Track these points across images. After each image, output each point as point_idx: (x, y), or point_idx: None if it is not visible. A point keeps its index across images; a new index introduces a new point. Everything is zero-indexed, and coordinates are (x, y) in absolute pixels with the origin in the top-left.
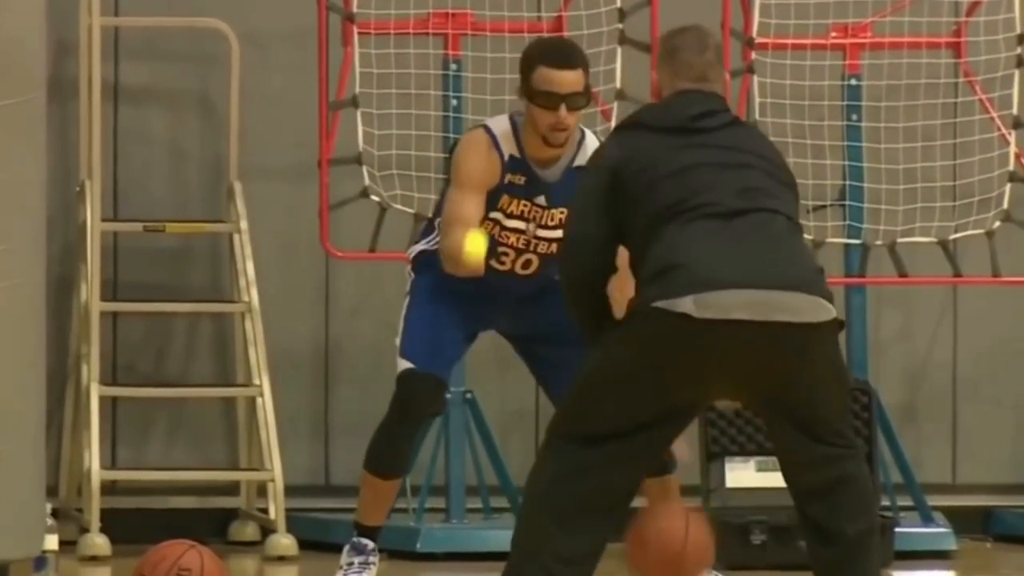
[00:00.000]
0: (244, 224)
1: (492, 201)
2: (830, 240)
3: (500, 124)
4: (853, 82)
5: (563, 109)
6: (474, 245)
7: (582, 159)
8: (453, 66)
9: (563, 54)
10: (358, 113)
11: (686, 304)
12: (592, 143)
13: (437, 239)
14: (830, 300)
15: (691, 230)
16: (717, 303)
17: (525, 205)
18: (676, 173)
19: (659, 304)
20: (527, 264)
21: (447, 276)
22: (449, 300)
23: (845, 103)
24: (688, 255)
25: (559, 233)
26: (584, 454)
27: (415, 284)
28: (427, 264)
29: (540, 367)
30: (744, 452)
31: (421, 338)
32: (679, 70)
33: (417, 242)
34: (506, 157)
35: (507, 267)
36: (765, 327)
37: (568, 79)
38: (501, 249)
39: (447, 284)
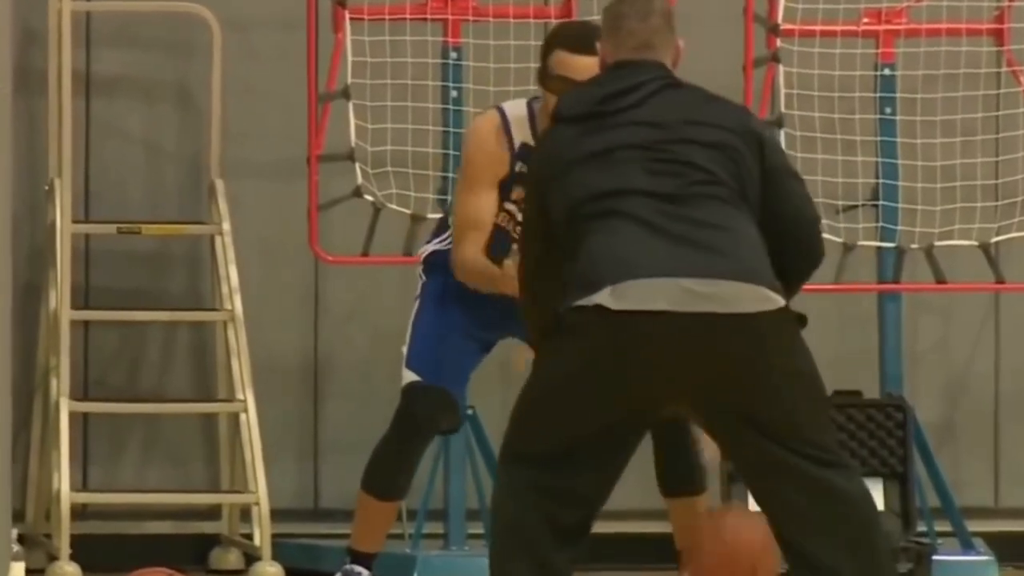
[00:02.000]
0: (226, 225)
1: (504, 191)
2: (862, 243)
3: (516, 109)
4: (887, 72)
5: None
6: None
7: None
8: (453, 54)
9: (583, 39)
10: (350, 105)
11: (602, 296)
12: None
13: (451, 238)
14: (775, 290)
15: (609, 224)
16: (636, 293)
17: None
18: (585, 165)
19: (577, 303)
20: None
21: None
22: (462, 305)
23: (878, 95)
24: (605, 249)
25: None
26: (533, 474)
27: (425, 288)
28: (439, 265)
29: None
30: None
31: (430, 347)
32: (622, 40)
33: (429, 241)
34: (517, 145)
35: None
36: (691, 319)
37: (585, 65)
38: (517, 246)
39: (460, 288)
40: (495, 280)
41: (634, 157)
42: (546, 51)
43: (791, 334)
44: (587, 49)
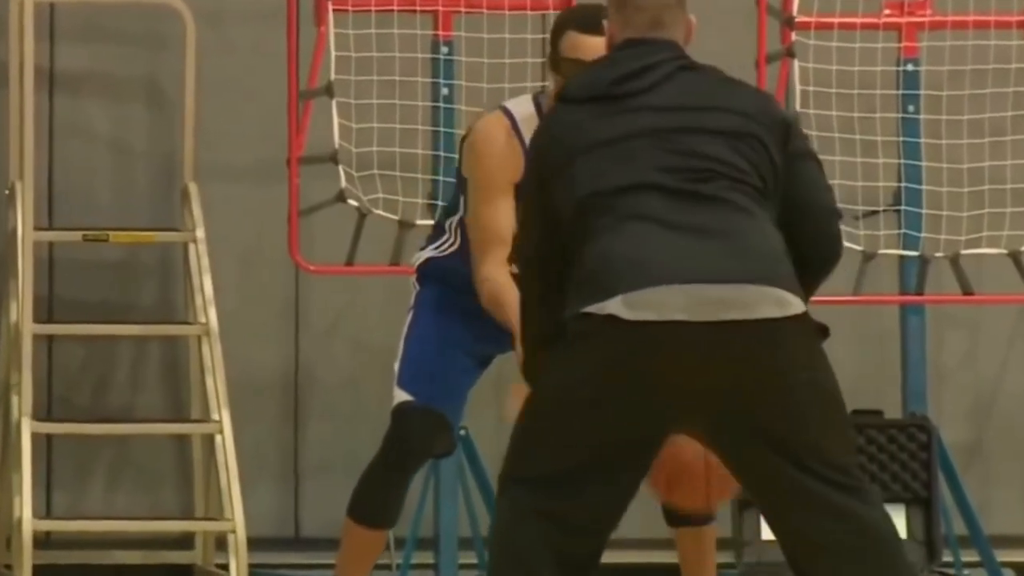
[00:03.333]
0: (200, 232)
1: (515, 196)
2: (883, 251)
3: (522, 107)
4: (910, 67)
5: None
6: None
7: None
8: (444, 49)
9: (596, 18)
10: (333, 103)
11: (614, 305)
12: None
13: (448, 244)
14: (797, 294)
15: (620, 222)
16: (651, 302)
17: None
18: (593, 155)
19: (586, 309)
20: None
21: (458, 289)
22: (460, 316)
23: (900, 92)
24: (617, 250)
25: None
26: (537, 500)
27: (419, 298)
28: (435, 274)
29: None
30: None
31: (424, 364)
32: (630, 17)
33: (424, 248)
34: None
35: None
36: (710, 328)
37: (599, 45)
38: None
39: (458, 299)
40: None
41: (647, 147)
42: (556, 34)
43: (814, 345)
44: (601, 29)
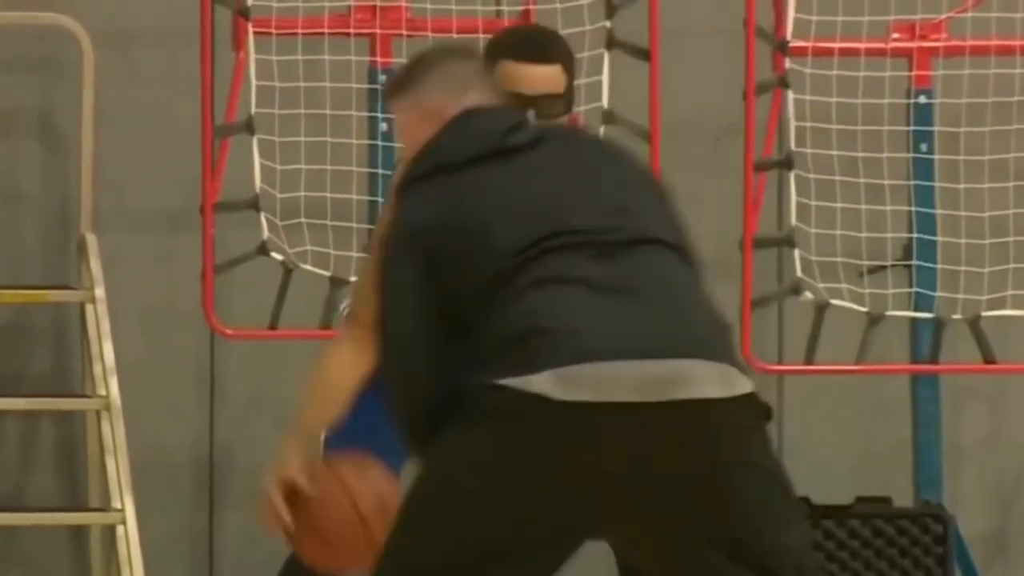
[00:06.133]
0: (100, 291)
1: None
2: (891, 313)
3: None
4: (922, 99)
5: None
6: None
7: None
8: (383, 78)
9: (535, 44)
10: (254, 141)
11: (543, 382)
12: None
13: None
14: (745, 371)
15: (540, 284)
16: (587, 379)
17: None
18: (497, 214)
19: (503, 382)
20: None
21: None
22: None
23: (912, 128)
24: (540, 317)
25: None
26: None
27: None
28: None
29: None
30: None
31: (356, 440)
32: (451, 87)
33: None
34: None
35: None
36: (658, 410)
37: (540, 76)
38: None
39: None
40: None
41: (555, 202)
42: (490, 63)
43: (764, 432)
44: (541, 56)
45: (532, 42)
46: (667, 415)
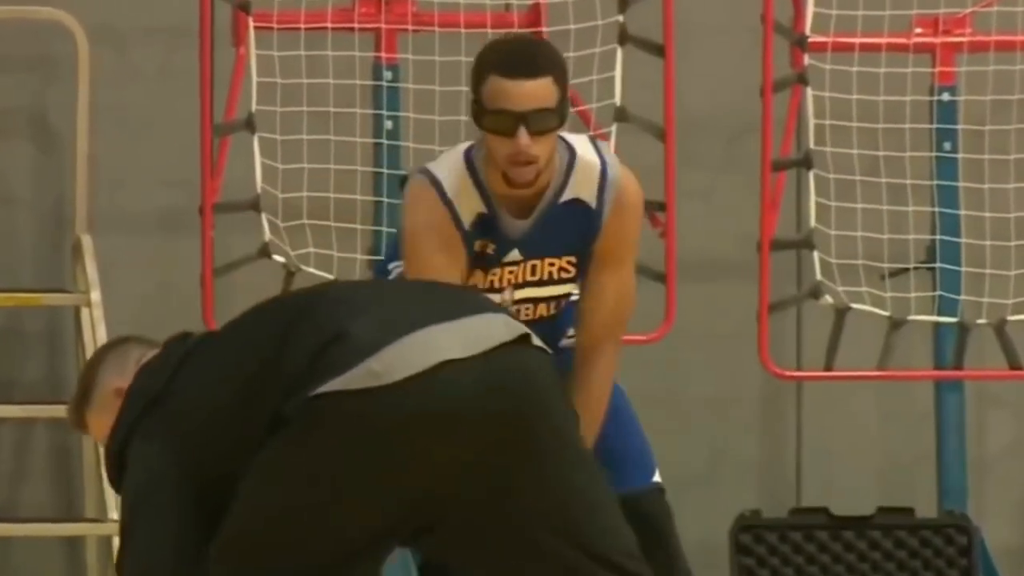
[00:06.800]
0: (96, 295)
1: (477, 264)
2: (913, 317)
3: (450, 169)
4: (946, 97)
5: (522, 133)
6: None
7: (574, 190)
8: (388, 74)
9: (521, 57)
10: (255, 140)
11: (360, 376)
12: (588, 161)
13: None
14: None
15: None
16: (406, 355)
17: (495, 274)
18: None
19: (316, 392)
20: None
21: None
22: None
23: (935, 126)
24: (327, 332)
25: (548, 290)
26: None
27: None
28: None
29: None
30: None
31: None
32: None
33: None
34: (467, 222)
35: None
36: (487, 359)
37: (528, 91)
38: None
39: None
40: None
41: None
42: (477, 79)
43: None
44: (528, 70)
45: (518, 56)
46: (491, 366)
